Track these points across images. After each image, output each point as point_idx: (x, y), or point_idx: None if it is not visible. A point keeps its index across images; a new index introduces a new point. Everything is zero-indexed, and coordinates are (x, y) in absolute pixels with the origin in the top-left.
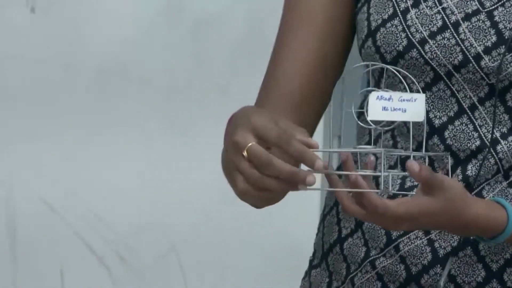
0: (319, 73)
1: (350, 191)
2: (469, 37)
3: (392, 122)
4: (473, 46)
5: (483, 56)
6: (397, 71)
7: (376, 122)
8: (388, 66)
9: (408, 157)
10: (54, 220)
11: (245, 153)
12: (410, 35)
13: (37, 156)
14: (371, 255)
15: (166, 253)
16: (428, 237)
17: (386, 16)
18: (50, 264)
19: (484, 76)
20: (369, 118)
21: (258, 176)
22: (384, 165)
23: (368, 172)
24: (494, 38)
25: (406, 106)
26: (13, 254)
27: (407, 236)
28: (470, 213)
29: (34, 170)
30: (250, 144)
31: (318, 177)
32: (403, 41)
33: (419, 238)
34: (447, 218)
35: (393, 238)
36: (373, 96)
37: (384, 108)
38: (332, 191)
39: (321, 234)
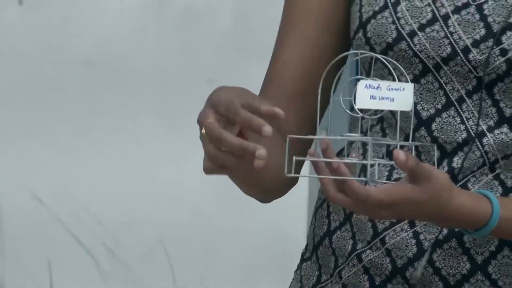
0: (317, 65)
1: (332, 179)
2: (458, 30)
3: (380, 111)
4: (462, 39)
5: (471, 49)
6: (386, 60)
7: (364, 111)
8: (378, 55)
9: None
10: (42, 213)
11: (203, 131)
12: (399, 27)
13: (26, 150)
14: (358, 248)
15: (154, 246)
16: (413, 229)
17: (377, 8)
18: (38, 256)
19: (472, 69)
20: (356, 107)
21: (214, 152)
22: (371, 153)
23: (354, 160)
24: (482, 32)
25: (394, 95)
26: (1, 246)
27: (393, 228)
28: (454, 204)
29: (23, 164)
30: (208, 121)
31: (306, 166)
32: (392, 33)
33: (404, 231)
34: (431, 208)
35: (379, 230)
36: (361, 85)
37: (372, 97)
38: (316, 178)
39: (313, 227)
